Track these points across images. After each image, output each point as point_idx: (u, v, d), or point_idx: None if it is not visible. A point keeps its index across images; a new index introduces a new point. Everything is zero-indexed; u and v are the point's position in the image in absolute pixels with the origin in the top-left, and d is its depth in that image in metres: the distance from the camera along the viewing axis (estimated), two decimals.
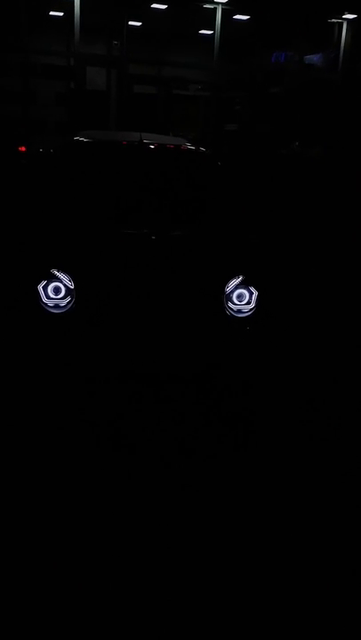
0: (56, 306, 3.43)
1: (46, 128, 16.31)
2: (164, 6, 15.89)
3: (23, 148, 14.14)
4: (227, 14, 15.71)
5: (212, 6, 15.44)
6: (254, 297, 3.63)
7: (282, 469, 3.32)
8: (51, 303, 3.43)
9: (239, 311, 3.62)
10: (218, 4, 15.36)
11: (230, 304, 3.61)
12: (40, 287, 3.41)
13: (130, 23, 15.88)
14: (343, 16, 17.11)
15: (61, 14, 16.57)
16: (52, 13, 16.82)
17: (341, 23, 17.48)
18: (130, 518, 2.84)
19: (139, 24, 17.53)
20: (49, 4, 15.88)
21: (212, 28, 16.08)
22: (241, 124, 19.08)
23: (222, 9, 15.46)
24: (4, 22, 14.53)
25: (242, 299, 3.61)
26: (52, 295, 3.42)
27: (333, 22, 17.62)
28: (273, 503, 3.04)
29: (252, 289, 3.62)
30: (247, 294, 3.62)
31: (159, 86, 18.43)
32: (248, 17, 16.50)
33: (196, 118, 20.33)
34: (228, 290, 3.60)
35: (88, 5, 14.40)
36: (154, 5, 15.88)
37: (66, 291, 3.42)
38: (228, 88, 18.46)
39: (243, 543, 2.77)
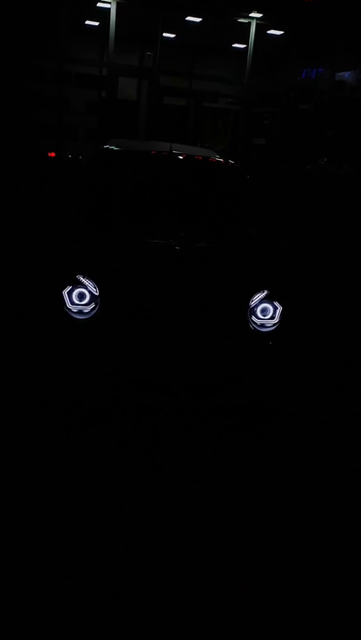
0: (80, 312, 3.44)
1: (77, 135, 16.52)
2: (198, 19, 16.01)
3: (53, 154, 14.33)
4: (261, 29, 15.76)
5: (246, 20, 15.50)
6: (278, 312, 3.60)
7: (297, 485, 3.28)
8: (75, 309, 3.44)
9: (263, 325, 3.60)
10: (253, 18, 15.42)
11: (254, 318, 3.59)
12: (65, 292, 3.43)
13: (164, 35, 16.00)
14: None
15: (97, 24, 16.80)
16: (87, 22, 17.06)
17: None
18: (147, 524, 2.83)
19: (172, 35, 17.69)
20: (85, 13, 16.11)
21: (245, 42, 16.13)
22: (269, 139, 19.09)
23: (257, 23, 15.51)
24: (42, 30, 14.78)
25: (266, 313, 3.59)
26: (76, 301, 3.43)
27: None
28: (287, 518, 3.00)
29: (276, 304, 3.60)
30: (271, 309, 3.60)
31: (189, 98, 18.53)
32: (282, 32, 16.54)
33: (225, 131, 20.40)
34: (252, 304, 3.58)
35: (124, 16, 14.56)
36: (189, 18, 16.00)
37: (90, 297, 3.44)
38: (258, 103, 18.49)
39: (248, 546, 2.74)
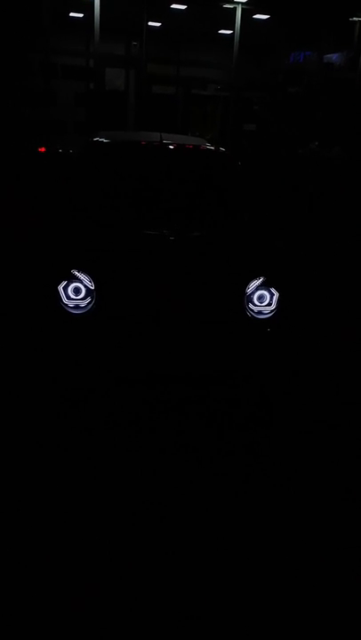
0: (76, 306, 3.42)
1: (65, 128, 16.38)
2: (183, 6, 15.89)
3: (43, 149, 14.20)
4: (247, 14, 15.66)
5: (231, 6, 15.39)
6: (275, 298, 3.59)
7: (296, 474, 3.28)
8: (71, 304, 3.42)
9: (260, 312, 3.59)
10: (238, 3, 15.31)
11: (251, 305, 3.57)
12: (60, 288, 3.41)
13: (149, 24, 15.87)
14: None
15: (81, 15, 16.63)
16: (72, 15, 16.89)
17: None
18: (150, 519, 2.84)
19: (158, 24, 17.54)
20: (69, 5, 15.96)
21: (231, 27, 16.02)
22: (259, 124, 19.00)
23: (242, 8, 15.39)
24: (26, 23, 14.62)
25: (263, 300, 3.58)
26: (72, 296, 3.41)
27: (354, 21, 17.45)
28: (283, 510, 3.01)
29: (273, 290, 3.58)
30: (268, 296, 3.58)
31: (178, 86, 18.42)
32: (268, 16, 16.43)
33: (215, 118, 20.30)
34: (248, 291, 3.56)
35: (108, 6, 14.42)
36: (174, 5, 15.88)
37: (86, 291, 3.42)
38: (246, 88, 18.39)
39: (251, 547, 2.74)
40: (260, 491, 3.13)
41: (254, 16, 16.31)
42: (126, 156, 4.32)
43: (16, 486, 3.05)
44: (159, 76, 17.35)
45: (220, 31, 18.21)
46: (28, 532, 2.75)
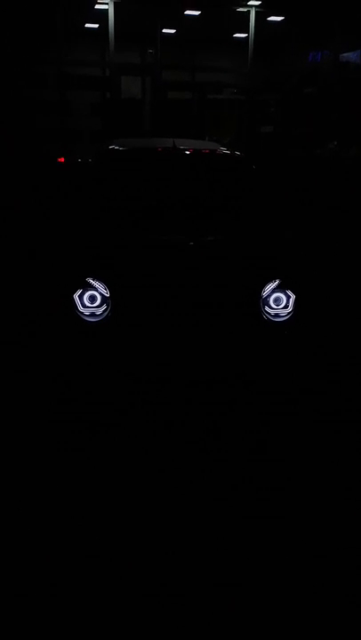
0: (92, 314, 3.44)
1: (82, 138, 16.55)
2: (197, 12, 15.92)
3: (62, 159, 14.37)
4: (260, 16, 15.64)
5: (245, 9, 15.39)
6: (292, 300, 3.56)
7: (312, 476, 3.24)
8: (87, 312, 3.43)
9: (277, 315, 3.56)
10: (251, 6, 15.30)
11: (267, 308, 3.55)
12: (76, 296, 3.42)
13: (164, 31, 15.96)
14: None
15: (97, 26, 16.80)
16: (87, 25, 17.06)
17: None
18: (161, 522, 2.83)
19: (173, 31, 17.62)
20: (85, 15, 16.13)
21: (245, 30, 16.01)
22: (276, 126, 18.93)
23: (256, 11, 15.39)
24: (41, 35, 14.83)
25: (279, 303, 3.55)
26: (87, 304, 3.43)
27: None
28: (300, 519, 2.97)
29: (289, 292, 3.55)
30: (284, 298, 3.55)
31: (193, 92, 18.46)
32: (282, 18, 16.38)
33: (232, 122, 20.28)
34: (264, 294, 3.53)
35: (122, 15, 14.56)
36: (187, 12, 15.93)
37: (102, 299, 3.43)
38: (262, 90, 18.35)
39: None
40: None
41: (269, 18, 16.26)
42: (139, 163, 4.33)
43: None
44: (175, 82, 17.42)
45: (234, 35, 18.21)
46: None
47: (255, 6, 15.27)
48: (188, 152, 4.39)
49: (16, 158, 12.82)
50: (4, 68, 13.78)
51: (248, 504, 3.00)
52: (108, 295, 3.44)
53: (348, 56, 19.11)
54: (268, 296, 3.55)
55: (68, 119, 15.09)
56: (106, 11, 14.51)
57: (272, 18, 16.32)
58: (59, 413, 3.69)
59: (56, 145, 14.94)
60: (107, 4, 14.28)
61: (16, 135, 13.92)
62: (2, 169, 11.85)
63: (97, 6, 14.69)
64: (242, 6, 15.25)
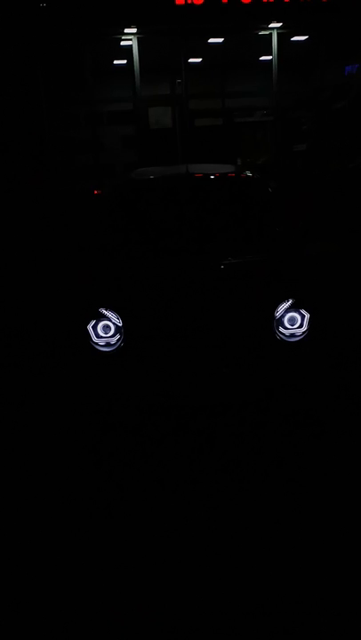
0: (107, 344, 3.48)
1: (115, 171, 17.00)
2: (220, 39, 16.18)
3: (96, 192, 14.85)
4: (283, 37, 15.74)
5: (267, 32, 15.53)
6: (306, 320, 3.50)
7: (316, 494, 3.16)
8: (101, 342, 3.49)
9: (292, 335, 3.51)
10: (273, 28, 15.43)
11: (281, 329, 3.51)
12: (90, 327, 3.48)
13: (190, 60, 16.30)
14: None
15: (125, 62, 17.30)
16: (115, 62, 17.61)
17: None
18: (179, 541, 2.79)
19: (199, 60, 17.93)
20: (111, 53, 16.65)
21: (269, 53, 16.13)
22: (309, 143, 18.85)
23: (278, 33, 15.50)
24: (72, 77, 15.42)
25: (293, 322, 3.50)
26: (101, 334, 3.48)
27: None
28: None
29: (303, 312, 3.51)
30: (299, 317, 3.51)
31: (223, 117, 18.65)
32: (306, 37, 16.42)
33: (265, 143, 20.29)
34: (277, 314, 3.50)
35: (147, 49, 14.96)
36: (211, 40, 16.22)
37: (115, 328, 3.48)
38: (293, 109, 18.35)
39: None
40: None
41: (292, 38, 16.35)
42: (150, 192, 4.41)
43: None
44: (203, 110, 17.67)
45: (260, 58, 18.33)
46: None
47: (276, 28, 15.38)
48: (199, 177, 4.44)
49: (56, 195, 13.39)
50: (41, 112, 14.41)
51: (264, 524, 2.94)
52: (120, 324, 3.48)
53: None
54: (282, 316, 3.52)
55: (101, 154, 15.53)
56: (130, 46, 14.96)
57: (296, 38, 16.39)
58: (78, 442, 3.74)
59: (93, 180, 15.41)
60: (130, 39, 14.73)
61: (56, 174, 14.47)
62: (42, 207, 12.34)
63: (122, 43, 15.15)
64: (263, 29, 15.39)
